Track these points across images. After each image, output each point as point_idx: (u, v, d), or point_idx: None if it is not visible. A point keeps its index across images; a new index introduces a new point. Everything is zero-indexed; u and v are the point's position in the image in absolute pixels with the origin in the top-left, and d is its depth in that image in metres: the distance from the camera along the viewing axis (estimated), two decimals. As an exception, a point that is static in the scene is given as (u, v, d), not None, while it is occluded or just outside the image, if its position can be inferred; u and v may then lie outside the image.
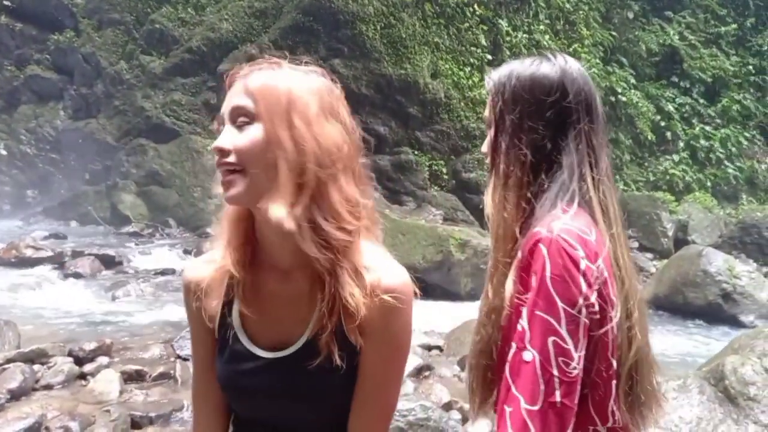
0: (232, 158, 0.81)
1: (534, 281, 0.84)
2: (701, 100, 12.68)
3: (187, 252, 7.69)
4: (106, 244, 7.95)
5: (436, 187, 9.52)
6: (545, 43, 11.05)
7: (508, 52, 10.95)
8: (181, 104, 10.42)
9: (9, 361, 3.28)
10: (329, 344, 0.81)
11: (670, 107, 12.20)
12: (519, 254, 0.89)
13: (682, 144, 11.93)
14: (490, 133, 1.01)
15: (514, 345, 0.85)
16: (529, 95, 0.95)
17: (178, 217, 9.46)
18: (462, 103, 10.11)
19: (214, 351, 0.92)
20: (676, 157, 11.66)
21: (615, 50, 12.52)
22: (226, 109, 0.84)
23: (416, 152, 9.72)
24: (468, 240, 6.61)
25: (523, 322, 0.84)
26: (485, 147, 1.02)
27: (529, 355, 0.82)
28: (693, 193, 11.12)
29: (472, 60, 10.69)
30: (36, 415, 2.68)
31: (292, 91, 0.83)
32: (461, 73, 10.31)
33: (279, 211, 0.78)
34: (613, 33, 12.42)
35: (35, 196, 10.84)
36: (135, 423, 2.60)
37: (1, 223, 9.99)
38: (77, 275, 6.11)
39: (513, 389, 0.82)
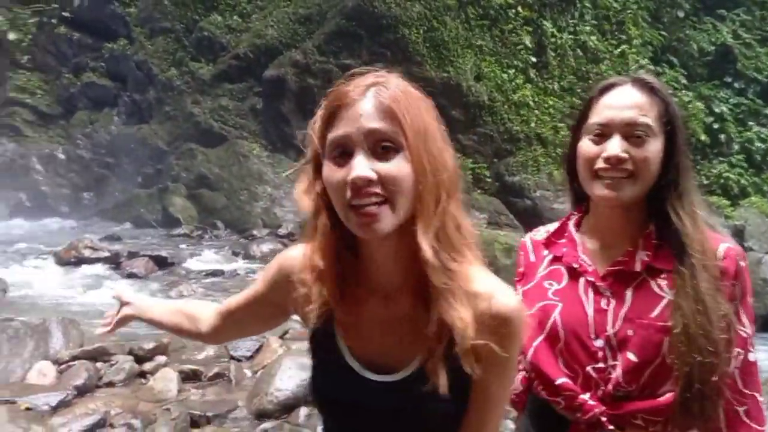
0: (379, 188, 0.76)
1: (738, 291, 1.03)
2: (757, 101, 12.17)
3: (235, 254, 7.89)
4: (159, 245, 8.23)
5: (479, 191, 9.46)
6: (592, 44, 10.83)
7: (552, 54, 10.79)
8: (229, 109, 10.71)
9: (74, 358, 3.45)
10: (438, 370, 0.79)
11: (724, 108, 11.74)
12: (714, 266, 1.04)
13: (736, 146, 11.47)
14: (654, 143, 1.07)
15: (739, 350, 1.02)
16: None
17: (226, 220, 9.72)
18: (505, 106, 10.01)
19: (256, 314, 1.04)
20: (731, 160, 11.23)
21: (665, 50, 12.15)
22: (354, 131, 0.77)
23: (459, 156, 9.67)
24: (513, 245, 6.54)
25: (746, 328, 1.03)
26: (643, 153, 1.07)
27: (753, 356, 1.04)
28: (749, 197, 10.67)
29: (515, 62, 10.58)
30: (101, 412, 2.81)
31: (423, 114, 0.80)
32: (504, 76, 10.22)
33: (425, 242, 0.76)
34: (663, 32, 12.06)
35: (91, 199, 11.33)
36: (193, 422, 2.70)
37: (60, 224, 10.50)
38: (133, 275, 6.36)
39: (745, 388, 1.03)
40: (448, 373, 0.79)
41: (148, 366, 3.37)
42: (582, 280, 1.13)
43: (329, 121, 0.80)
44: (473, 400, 0.84)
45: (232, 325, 1.11)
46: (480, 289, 0.81)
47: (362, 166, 0.75)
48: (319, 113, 0.82)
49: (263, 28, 10.71)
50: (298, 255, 0.92)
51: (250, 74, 10.73)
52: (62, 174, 11.31)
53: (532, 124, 9.98)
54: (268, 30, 10.66)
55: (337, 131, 0.78)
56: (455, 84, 9.72)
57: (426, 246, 0.76)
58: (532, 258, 1.24)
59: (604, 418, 1.05)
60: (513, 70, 10.39)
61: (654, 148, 1.06)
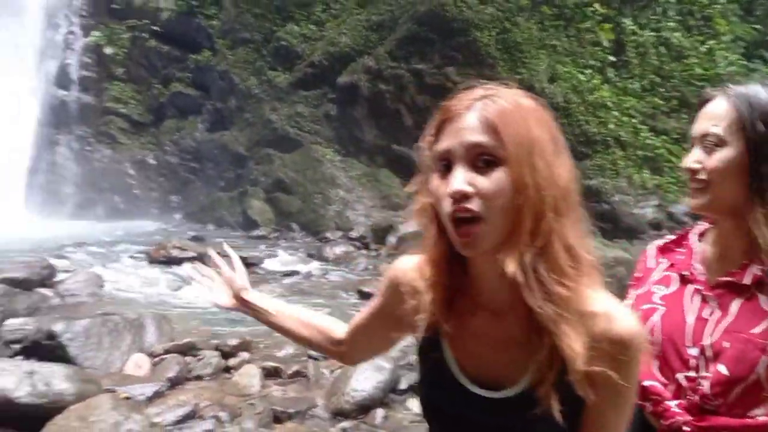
0: (474, 205, 0.75)
1: None
2: None
3: (309, 256, 8.16)
4: (239, 246, 8.64)
5: (553, 195, 9.22)
6: (675, 40, 10.29)
7: (633, 52, 10.35)
8: (304, 116, 11.07)
9: (166, 352, 3.72)
10: (549, 394, 0.76)
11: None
12: None
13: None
14: (724, 152, 1.07)
15: None
16: None
17: (301, 222, 10.05)
18: (581, 108, 9.71)
19: (379, 329, 1.03)
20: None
21: (758, 45, 11.33)
22: (456, 144, 0.78)
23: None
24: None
25: None
26: (713, 162, 1.07)
27: None
28: None
29: (592, 62, 10.24)
30: (191, 404, 3.02)
31: (532, 127, 0.77)
32: (581, 76, 9.91)
33: (512, 263, 0.75)
34: (757, 26, 11.26)
35: (178, 202, 12.06)
36: (276, 417, 2.84)
37: (150, 225, 11.27)
38: (216, 275, 6.72)
39: None
40: (561, 396, 0.77)
41: (232, 362, 3.58)
42: (690, 288, 1.13)
43: (437, 135, 0.82)
44: (587, 424, 0.81)
45: (362, 341, 1.11)
46: (597, 310, 0.78)
47: (459, 180, 0.75)
48: (429, 127, 0.84)
49: (336, 35, 10.99)
50: (408, 265, 0.94)
51: (324, 81, 11.04)
52: (152, 178, 12.12)
53: (611, 126, 9.61)
54: (342, 38, 10.92)
55: (442, 144, 0.80)
56: (528, 86, 9.53)
57: (511, 265, 0.75)
58: (650, 264, 1.26)
59: (687, 429, 1.04)
60: (590, 70, 10.06)
61: (724, 156, 1.06)
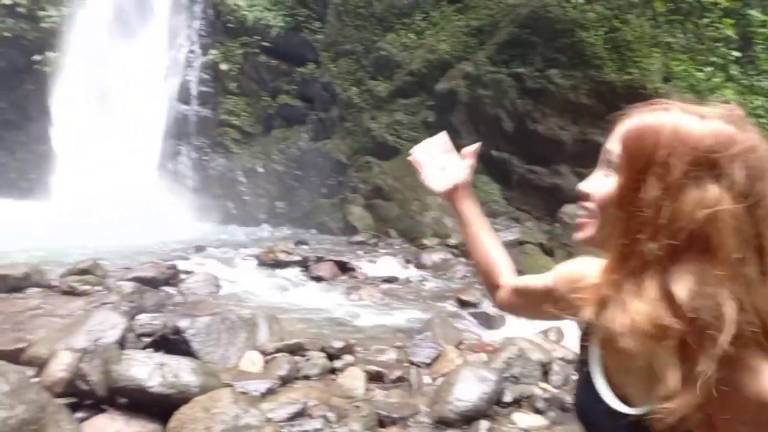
0: (588, 204, 0.83)
1: None
2: None
3: (407, 262, 8.24)
4: (340, 251, 8.94)
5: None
6: (815, 30, 9.22)
7: (761, 47, 9.42)
8: (403, 123, 11.23)
9: (277, 350, 3.91)
10: (687, 423, 0.72)
11: None
12: None
13: None
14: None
15: None
16: None
17: (399, 228, 10.19)
18: (701, 108, 8.98)
19: (539, 299, 1.06)
20: None
21: None
22: (604, 147, 0.85)
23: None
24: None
25: None
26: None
27: None
28: None
29: (713, 59, 9.45)
30: (301, 402, 3.16)
31: (659, 144, 0.74)
32: (700, 75, 9.18)
33: (602, 273, 0.77)
34: None
35: (283, 207, 12.70)
36: (380, 421, 2.91)
37: (258, 230, 11.97)
38: (319, 278, 6.99)
39: None
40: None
41: (338, 364, 3.70)
42: None
43: None
44: None
45: (519, 298, 1.17)
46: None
47: (586, 180, 0.84)
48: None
49: (435, 43, 11.04)
50: (590, 265, 0.92)
51: (423, 89, 11.14)
52: (261, 185, 12.86)
53: (735, 127, 8.79)
54: (440, 45, 10.96)
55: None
56: (639, 86, 9.00)
57: (601, 275, 0.79)
58: None
59: None
60: (710, 68, 9.29)
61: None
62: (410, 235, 9.96)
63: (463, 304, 5.72)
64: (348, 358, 3.82)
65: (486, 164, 10.44)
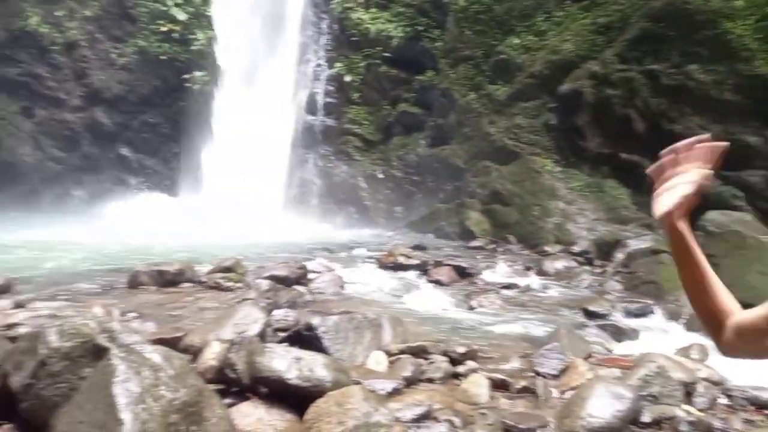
0: None
1: None
2: None
3: (527, 268, 8.03)
4: (458, 255, 8.93)
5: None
6: None
7: None
8: (522, 127, 10.97)
9: (401, 352, 4.01)
10: None
11: None
12: None
13: None
14: None
15: None
16: None
17: (518, 234, 9.95)
18: None
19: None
20: None
21: None
22: None
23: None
24: None
25: None
26: None
27: None
28: None
29: None
30: (426, 404, 3.21)
31: None
32: None
33: None
34: None
35: (401, 212, 12.98)
36: (506, 431, 2.87)
37: (378, 233, 12.34)
38: (438, 282, 7.05)
39: None
40: None
41: (461, 369, 3.71)
42: None
43: None
44: None
45: (750, 338, 1.05)
46: None
47: None
48: None
49: (559, 43, 10.66)
50: None
51: (545, 91, 10.80)
52: (380, 191, 13.27)
53: None
54: (564, 45, 10.56)
55: None
56: (800, 79, 8.00)
57: None
58: None
59: None
60: None
61: None
62: (530, 241, 9.69)
63: (591, 314, 5.45)
64: (471, 363, 3.81)
65: (613, 168, 9.86)
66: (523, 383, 3.43)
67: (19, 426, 2.39)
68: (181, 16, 14.78)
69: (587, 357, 3.74)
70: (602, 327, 5.10)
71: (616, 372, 3.52)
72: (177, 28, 14.84)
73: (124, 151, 16.51)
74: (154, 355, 2.34)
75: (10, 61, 16.84)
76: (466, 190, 11.51)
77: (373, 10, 13.38)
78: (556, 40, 10.79)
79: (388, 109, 13.50)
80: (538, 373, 3.57)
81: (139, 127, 16.34)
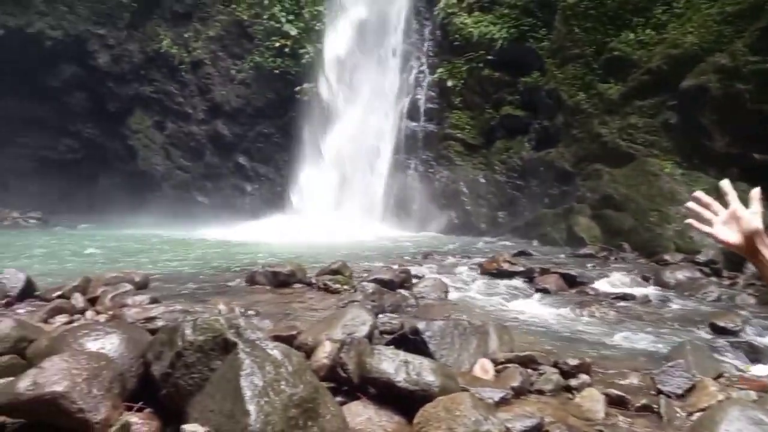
0: None
1: None
2: None
3: (644, 279, 7.51)
4: (565, 263, 8.56)
5: None
6: None
7: None
8: (638, 127, 10.30)
9: (508, 361, 3.92)
10: None
11: None
12: None
13: None
14: None
15: None
16: None
17: (633, 242, 9.35)
18: None
19: None
20: None
21: None
22: None
23: None
24: None
25: None
26: None
27: None
28: None
29: None
30: (537, 417, 3.11)
31: None
32: None
33: None
34: None
35: (504, 217, 12.70)
36: (626, 449, 2.71)
37: (480, 240, 12.17)
38: (545, 291, 6.80)
39: None
40: None
41: (573, 382, 3.55)
42: None
43: None
44: None
45: None
46: None
47: None
48: None
49: (681, 36, 9.89)
50: None
51: (663, 88, 10.07)
52: (482, 196, 13.08)
53: None
54: (687, 37, 9.78)
55: None
56: None
57: None
58: None
59: None
60: None
61: None
62: (647, 249, 9.06)
63: (719, 330, 4.98)
64: (583, 377, 3.64)
65: (744, 169, 8.95)
66: (642, 401, 3.21)
67: (159, 411, 2.64)
68: (293, 31, 15.62)
69: (717, 377, 3.42)
70: (734, 345, 4.63)
71: (752, 394, 3.19)
72: (288, 42, 15.71)
73: (241, 159, 17.76)
74: (275, 351, 2.49)
75: (145, 80, 18.79)
76: (574, 194, 11.01)
77: (477, 13, 13.26)
78: (677, 32, 10.01)
79: (490, 113, 13.28)
80: (660, 391, 3.33)
81: (254, 138, 17.49)
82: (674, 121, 9.96)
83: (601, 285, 7.23)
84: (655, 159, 9.97)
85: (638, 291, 6.91)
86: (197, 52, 17.75)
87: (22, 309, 4.66)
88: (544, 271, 7.41)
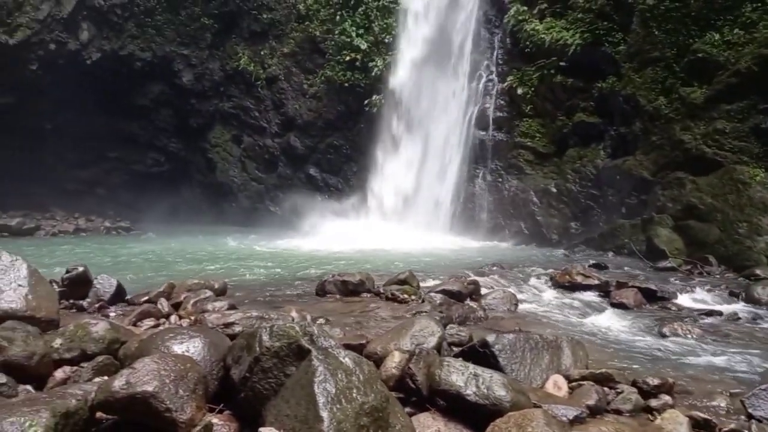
0: None
1: None
2: None
3: (733, 294, 7.04)
4: (645, 277, 8.16)
5: None
6: None
7: None
8: (725, 132, 9.68)
9: (583, 378, 3.79)
10: None
11: None
12: None
13: None
14: None
15: None
16: None
17: (720, 255, 8.77)
18: None
19: None
20: None
21: None
22: None
23: None
24: None
25: None
26: None
27: None
28: None
29: None
30: (612, 437, 2.99)
31: None
32: None
33: None
34: None
35: (577, 228, 12.27)
36: (713, 477, 2.55)
37: (551, 251, 11.81)
38: (622, 305, 6.51)
39: None
40: None
41: (653, 402, 3.38)
42: None
43: None
44: None
45: None
46: None
47: None
48: None
49: (773, 34, 9.23)
50: None
51: (754, 90, 9.42)
52: (554, 205, 12.71)
53: None
54: (780, 35, 9.11)
55: None
56: None
57: None
58: None
59: None
60: None
61: None
62: (735, 262, 8.48)
63: (822, 354, 4.57)
64: (665, 397, 3.46)
65: None
66: (731, 425, 3.01)
67: (236, 413, 2.77)
68: (363, 45, 15.96)
69: (818, 404, 3.14)
70: (838, 369, 4.24)
71: None
72: (359, 56, 16.06)
73: (312, 171, 18.29)
74: (347, 359, 2.55)
75: (224, 97, 19.81)
76: (654, 204, 10.47)
77: (548, 19, 12.98)
78: (768, 31, 9.36)
79: (562, 120, 12.91)
80: (751, 416, 3.11)
81: (324, 149, 17.97)
82: (766, 126, 9.28)
83: (685, 300, 6.85)
84: (745, 166, 9.31)
85: (726, 308, 6.49)
86: (272, 68, 18.50)
87: (113, 312, 5.02)
88: (621, 285, 7.10)
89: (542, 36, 12.74)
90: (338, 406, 2.30)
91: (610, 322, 6.01)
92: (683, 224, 9.67)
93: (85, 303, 5.11)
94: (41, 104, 18.44)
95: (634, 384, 3.63)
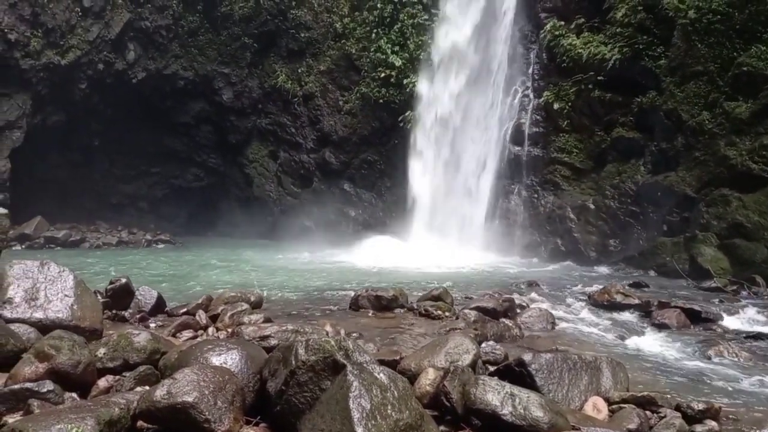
0: None
1: None
2: None
3: (783, 317, 6.72)
4: (687, 297, 7.89)
5: None
6: None
7: None
8: (773, 148, 9.34)
9: (623, 401, 3.67)
10: None
11: None
12: None
13: None
14: None
15: None
16: None
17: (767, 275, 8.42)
18: None
19: None
20: None
21: None
22: None
23: None
24: None
25: None
26: None
27: None
28: None
29: None
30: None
31: None
32: None
33: None
34: None
35: (616, 245, 11.97)
36: None
37: (589, 269, 11.55)
38: (664, 326, 6.30)
39: None
40: None
41: (698, 428, 3.25)
42: None
43: None
44: None
45: None
46: None
47: None
48: None
49: (824, 46, 8.91)
50: None
51: (803, 104, 9.08)
52: (591, 222, 12.44)
53: None
54: (831, 47, 8.78)
55: None
56: None
57: None
58: None
59: None
60: None
61: None
62: (786, 284, 8.11)
63: None
64: (711, 423, 3.32)
65: None
66: (783, 457, 2.87)
67: (272, 426, 2.79)
68: (398, 62, 16.11)
69: None
70: None
71: None
72: (393, 73, 16.22)
73: (346, 186, 18.46)
74: (382, 375, 2.55)
75: (262, 113, 20.27)
76: (697, 222, 10.15)
77: (586, 34, 12.85)
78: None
79: (600, 136, 12.69)
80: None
81: (359, 165, 18.13)
82: (817, 141, 8.93)
83: (731, 322, 6.58)
84: (795, 183, 8.97)
85: (776, 331, 6.20)
86: (309, 85, 18.86)
87: (153, 323, 5.15)
88: (663, 305, 6.88)
89: (579, 51, 12.61)
90: (373, 422, 2.30)
91: (651, 343, 5.82)
92: (729, 243, 9.33)
93: (127, 314, 5.26)
94: (90, 122, 19.27)
95: (677, 408, 3.51)
